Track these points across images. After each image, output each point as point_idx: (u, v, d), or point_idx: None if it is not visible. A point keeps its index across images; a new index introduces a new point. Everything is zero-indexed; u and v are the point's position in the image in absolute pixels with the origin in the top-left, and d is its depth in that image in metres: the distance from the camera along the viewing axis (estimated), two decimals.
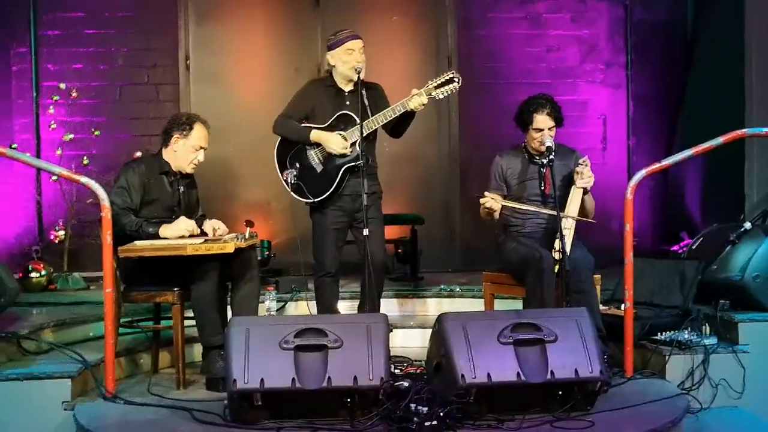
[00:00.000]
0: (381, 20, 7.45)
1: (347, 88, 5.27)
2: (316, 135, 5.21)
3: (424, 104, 5.06)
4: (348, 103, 5.20)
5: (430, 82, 5.08)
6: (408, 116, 5.18)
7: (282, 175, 5.29)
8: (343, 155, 5.16)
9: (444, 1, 7.62)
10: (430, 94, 5.06)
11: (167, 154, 4.92)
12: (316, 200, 5.23)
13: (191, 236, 4.72)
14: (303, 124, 5.26)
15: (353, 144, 5.13)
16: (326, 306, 5.34)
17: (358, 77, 5.08)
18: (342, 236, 5.32)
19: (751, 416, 4.59)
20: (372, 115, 5.11)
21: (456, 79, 5.03)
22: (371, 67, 5.24)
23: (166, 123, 4.98)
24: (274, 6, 7.57)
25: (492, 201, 4.96)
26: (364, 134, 5.04)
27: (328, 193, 5.20)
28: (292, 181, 5.26)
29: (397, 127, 5.26)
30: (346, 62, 5.20)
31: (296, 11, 7.55)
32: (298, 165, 5.28)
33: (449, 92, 5.09)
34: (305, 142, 5.24)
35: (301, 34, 7.52)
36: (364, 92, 5.13)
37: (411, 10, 7.61)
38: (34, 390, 4.30)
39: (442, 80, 5.06)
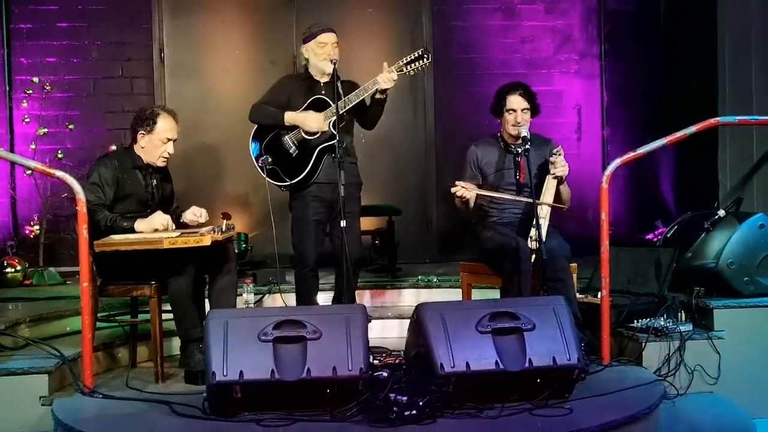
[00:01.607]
0: (356, 13, 7.44)
1: (322, 80, 5.28)
2: (290, 117, 5.23)
3: (394, 80, 5.06)
4: (324, 92, 5.21)
5: (400, 60, 5.08)
6: (378, 103, 5.18)
7: (257, 162, 5.31)
8: (318, 135, 5.18)
9: None
10: (401, 70, 5.05)
11: (137, 150, 4.88)
12: (292, 182, 5.24)
13: (166, 230, 4.70)
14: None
15: (330, 124, 5.15)
16: (306, 300, 5.34)
17: (334, 68, 5.09)
18: (322, 228, 5.32)
19: (727, 402, 4.64)
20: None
21: (426, 56, 5.03)
22: (346, 59, 5.24)
23: (132, 118, 4.94)
24: None
25: (463, 190, 4.95)
26: (340, 113, 5.05)
27: (304, 173, 5.22)
28: (268, 167, 5.28)
29: (369, 115, 5.27)
30: (318, 55, 5.22)
31: (271, 3, 7.53)
32: (273, 151, 5.30)
33: (420, 68, 5.09)
34: (280, 125, 5.26)
35: (276, 27, 7.49)
36: (339, 84, 5.14)
37: (386, 3, 7.61)
38: (11, 385, 4.28)
39: (413, 57, 5.06)
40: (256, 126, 5.36)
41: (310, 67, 5.30)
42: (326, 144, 5.18)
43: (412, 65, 5.07)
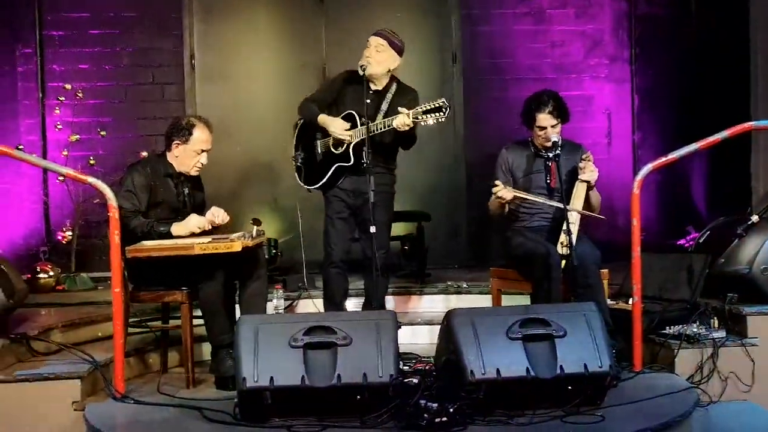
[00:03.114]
0: (385, 17, 7.42)
1: (374, 86, 5.24)
2: (322, 119, 5.25)
3: (408, 125, 4.92)
4: (368, 101, 5.07)
5: (419, 107, 4.95)
6: (403, 135, 5.09)
7: (293, 154, 5.44)
8: (341, 152, 5.19)
9: None
10: (417, 118, 4.91)
11: (170, 158, 4.93)
12: (308, 187, 5.39)
13: (201, 233, 4.73)
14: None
15: (349, 145, 5.15)
16: (330, 298, 5.36)
17: (363, 73, 5.07)
18: (349, 228, 5.34)
19: (761, 410, 4.58)
20: (381, 118, 5.11)
21: (445, 109, 4.85)
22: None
23: (167, 127, 4.98)
24: (278, 3, 7.56)
25: (504, 190, 4.96)
26: (355, 141, 5.10)
27: (316, 186, 5.33)
28: (298, 163, 5.43)
29: (399, 141, 5.22)
30: (362, 58, 5.19)
31: (300, 8, 7.53)
32: (306, 150, 5.41)
33: (436, 120, 4.88)
34: (314, 123, 5.29)
35: (306, 31, 7.50)
36: (370, 91, 5.15)
37: (415, 7, 7.61)
38: (44, 391, 4.31)
39: (432, 106, 4.88)
40: (302, 121, 5.44)
41: None
42: (342, 164, 5.21)
43: (430, 115, 4.88)
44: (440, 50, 7.61)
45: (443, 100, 4.87)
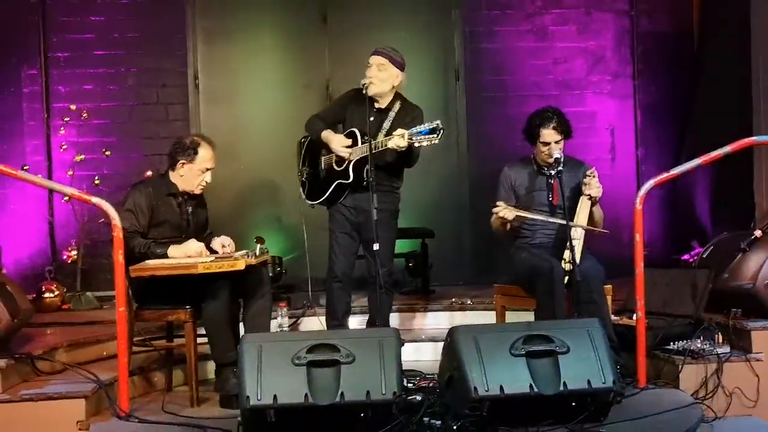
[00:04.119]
0: (388, 36, 7.46)
1: (377, 104, 5.27)
2: (325, 135, 5.29)
3: (401, 147, 4.93)
4: (372, 119, 5.08)
5: (414, 129, 4.95)
6: (403, 154, 5.09)
7: (299, 168, 5.53)
8: (341, 170, 5.22)
9: (450, 16, 7.64)
10: (411, 139, 4.92)
11: (174, 177, 4.95)
12: (310, 203, 5.49)
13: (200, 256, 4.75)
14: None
15: (349, 163, 5.18)
16: (333, 314, 5.37)
17: (366, 91, 5.08)
18: (353, 243, 5.36)
19: (766, 425, 4.57)
20: (383, 137, 5.12)
21: (438, 131, 4.86)
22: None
23: (171, 146, 5.00)
24: (281, 24, 7.60)
25: (506, 210, 4.96)
26: (355, 159, 5.13)
27: (317, 202, 5.42)
28: (303, 178, 5.51)
29: (400, 161, 5.22)
30: (365, 77, 5.20)
31: (304, 29, 7.57)
32: (311, 166, 5.48)
33: (430, 141, 4.90)
34: (318, 139, 5.34)
35: (309, 52, 7.54)
36: (374, 109, 5.17)
37: (418, 25, 7.64)
38: (49, 410, 4.31)
39: (428, 128, 4.90)
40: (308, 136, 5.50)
41: None
42: (343, 181, 5.23)
43: (425, 137, 4.89)
44: (443, 68, 7.64)
45: (438, 122, 4.88)
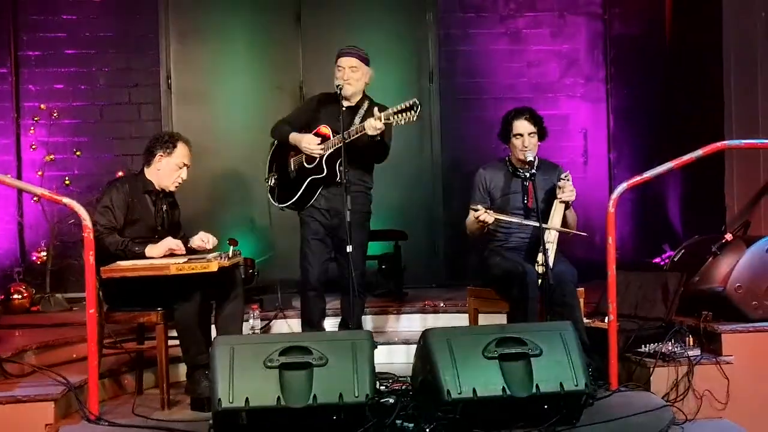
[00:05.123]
0: (362, 38, 7.46)
1: (348, 102, 5.28)
2: (293, 137, 5.28)
3: (378, 129, 4.96)
4: (340, 118, 5.09)
5: (391, 108, 4.98)
6: (373, 144, 5.12)
7: (267, 176, 5.47)
8: (313, 166, 5.21)
9: (425, 18, 7.65)
10: (389, 119, 4.94)
11: (150, 174, 4.92)
12: (280, 206, 5.41)
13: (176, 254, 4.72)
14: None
15: (322, 158, 5.18)
16: (310, 321, 5.36)
17: (340, 93, 5.10)
18: (325, 248, 5.35)
19: (736, 427, 4.60)
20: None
21: (415, 108, 4.88)
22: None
23: (148, 142, 4.98)
24: (255, 25, 7.57)
25: (485, 214, 4.94)
26: (329, 152, 5.12)
27: (292, 200, 5.33)
28: (270, 184, 5.46)
29: (370, 151, 5.23)
30: (336, 78, 5.25)
31: (277, 30, 7.55)
32: (279, 170, 5.42)
33: (409, 119, 4.91)
34: (286, 142, 5.32)
35: (283, 53, 7.52)
36: (344, 108, 5.15)
37: (392, 27, 7.64)
38: (17, 413, 4.25)
39: (403, 107, 4.92)
40: (276, 142, 5.44)
41: None
42: (316, 176, 5.22)
43: (402, 115, 4.92)
44: (417, 69, 7.64)
45: (415, 99, 4.90)
